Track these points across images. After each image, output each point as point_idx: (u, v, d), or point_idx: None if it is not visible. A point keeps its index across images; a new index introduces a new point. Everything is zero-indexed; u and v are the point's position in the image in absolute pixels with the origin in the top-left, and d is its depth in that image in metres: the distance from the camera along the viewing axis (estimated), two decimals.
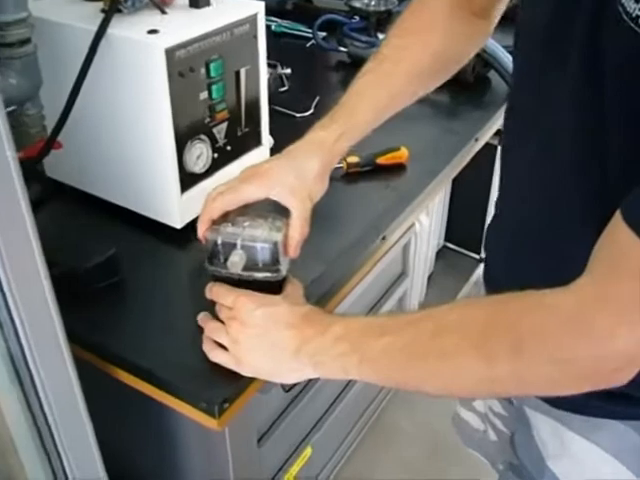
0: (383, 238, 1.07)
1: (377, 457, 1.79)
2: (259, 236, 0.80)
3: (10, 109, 0.94)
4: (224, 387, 0.80)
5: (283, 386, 0.78)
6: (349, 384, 1.35)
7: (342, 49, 1.71)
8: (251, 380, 0.82)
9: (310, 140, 0.84)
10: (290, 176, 0.80)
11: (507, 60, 1.50)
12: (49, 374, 0.68)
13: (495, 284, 0.86)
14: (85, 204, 1.10)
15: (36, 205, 1.10)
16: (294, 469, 1.23)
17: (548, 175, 0.70)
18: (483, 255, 2.07)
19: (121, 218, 1.06)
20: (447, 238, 2.15)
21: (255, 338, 0.74)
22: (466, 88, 1.55)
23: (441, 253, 2.12)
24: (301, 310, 0.75)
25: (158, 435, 0.97)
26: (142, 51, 0.89)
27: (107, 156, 1.03)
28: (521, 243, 0.78)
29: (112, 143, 1.00)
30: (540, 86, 0.69)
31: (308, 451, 1.26)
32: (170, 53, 0.89)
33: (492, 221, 0.90)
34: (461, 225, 2.10)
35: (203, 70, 0.96)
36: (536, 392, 0.72)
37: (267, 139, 1.15)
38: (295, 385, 0.78)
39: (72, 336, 0.86)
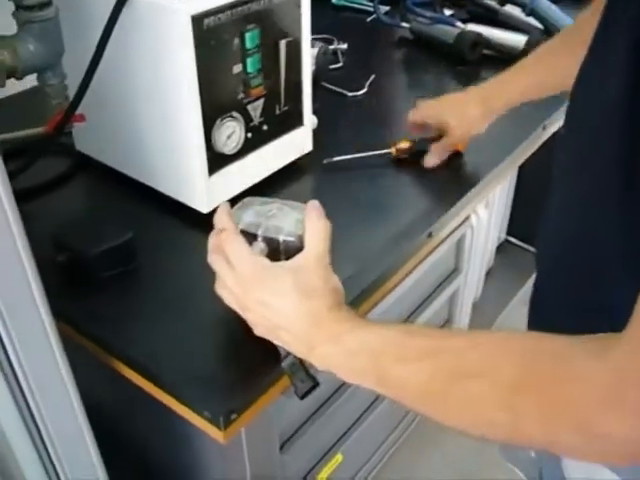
0: (429, 235, 0.96)
1: (420, 456, 1.70)
2: (283, 228, 0.71)
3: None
4: (234, 395, 0.72)
5: (297, 392, 0.69)
6: None
7: (405, 25, 1.59)
8: (266, 387, 0.74)
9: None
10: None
11: None
12: (36, 372, 0.61)
13: (537, 311, 0.81)
14: (111, 181, 1.03)
15: (62, 179, 1.07)
16: (323, 475, 1.15)
17: (592, 212, 0.63)
18: None
19: (146, 198, 0.99)
20: (509, 231, 2.01)
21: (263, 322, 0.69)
22: None
23: (502, 247, 1.99)
24: (309, 305, 0.65)
25: (169, 436, 0.90)
26: (167, 17, 0.81)
27: (132, 131, 0.95)
28: (557, 281, 0.73)
29: (137, 117, 0.93)
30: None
31: (339, 457, 1.18)
32: (197, 20, 0.80)
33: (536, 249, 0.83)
34: (525, 218, 1.96)
35: (237, 41, 0.87)
36: (566, 455, 0.67)
37: (309, 119, 1.06)
38: (311, 392, 0.70)
39: (77, 327, 0.81)
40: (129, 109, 0.93)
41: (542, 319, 0.77)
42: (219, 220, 0.72)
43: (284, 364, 0.71)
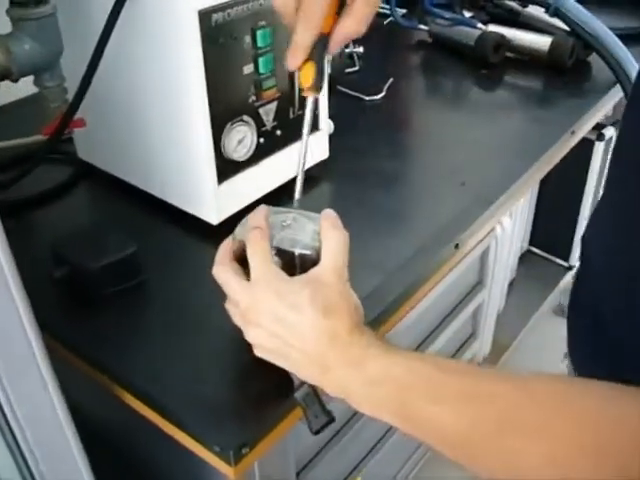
0: (456, 246, 0.89)
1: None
2: (299, 240, 0.64)
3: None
4: (246, 426, 0.65)
5: (311, 428, 0.62)
6: None
7: (423, 27, 1.53)
8: (281, 417, 0.67)
9: None
10: None
11: (613, 42, 1.29)
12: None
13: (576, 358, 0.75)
14: (115, 190, 0.97)
15: (63, 189, 1.01)
16: None
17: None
18: (573, 263, 1.88)
19: (152, 209, 0.92)
20: (532, 242, 1.93)
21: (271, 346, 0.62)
22: (562, 73, 1.35)
23: (525, 258, 1.91)
24: (327, 324, 0.58)
25: (175, 466, 0.83)
26: (172, 13, 0.75)
27: (136, 137, 0.89)
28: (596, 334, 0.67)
29: (141, 122, 0.87)
30: None
31: None
32: (205, 16, 0.74)
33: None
34: (549, 228, 1.88)
35: (248, 39, 0.81)
36: None
37: (326, 123, 0.99)
38: (325, 428, 0.63)
39: (75, 349, 0.74)
40: (132, 113, 0.87)
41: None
42: (256, 219, 0.64)
43: (297, 395, 0.64)
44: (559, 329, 0.86)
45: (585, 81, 1.37)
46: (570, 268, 1.86)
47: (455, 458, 0.51)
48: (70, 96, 0.85)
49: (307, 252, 0.62)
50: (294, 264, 0.63)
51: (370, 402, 0.57)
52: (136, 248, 0.78)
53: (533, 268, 1.89)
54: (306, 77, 0.64)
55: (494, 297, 1.41)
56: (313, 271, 0.60)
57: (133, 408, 0.70)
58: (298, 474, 0.92)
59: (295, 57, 0.62)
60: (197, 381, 0.69)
